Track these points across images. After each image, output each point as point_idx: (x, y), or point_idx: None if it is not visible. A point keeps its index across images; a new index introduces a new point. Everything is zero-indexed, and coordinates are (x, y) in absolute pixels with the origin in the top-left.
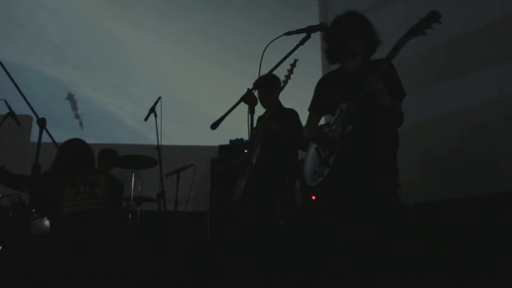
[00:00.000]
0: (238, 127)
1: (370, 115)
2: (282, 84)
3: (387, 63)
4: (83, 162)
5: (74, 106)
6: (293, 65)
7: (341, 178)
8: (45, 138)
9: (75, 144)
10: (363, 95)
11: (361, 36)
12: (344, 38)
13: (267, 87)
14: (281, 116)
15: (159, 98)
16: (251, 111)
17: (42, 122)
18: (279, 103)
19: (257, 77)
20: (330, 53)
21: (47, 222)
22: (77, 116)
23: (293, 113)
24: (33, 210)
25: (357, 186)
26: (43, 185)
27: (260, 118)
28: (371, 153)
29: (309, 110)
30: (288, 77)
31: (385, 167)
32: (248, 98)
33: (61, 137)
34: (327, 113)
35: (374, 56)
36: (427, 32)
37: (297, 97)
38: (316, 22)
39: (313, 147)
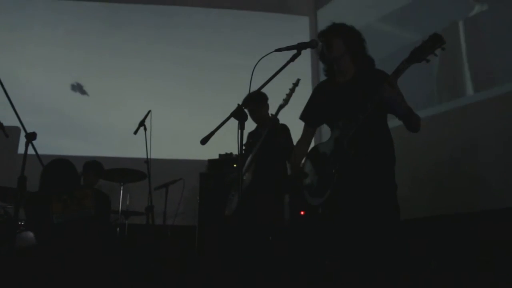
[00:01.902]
0: (227, 141)
1: (371, 137)
2: (283, 102)
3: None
4: (67, 184)
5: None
6: (296, 84)
7: (344, 199)
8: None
9: (59, 167)
10: (373, 106)
11: (352, 52)
12: (326, 45)
13: (255, 104)
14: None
15: (149, 111)
16: (241, 127)
17: (30, 137)
18: (277, 120)
19: (247, 92)
20: (323, 60)
21: (32, 235)
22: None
23: (285, 129)
24: (19, 223)
25: (361, 206)
26: (32, 206)
27: (250, 134)
28: (373, 176)
29: (300, 118)
30: (289, 95)
31: (387, 188)
32: (238, 114)
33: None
34: (320, 125)
35: None
36: (430, 60)
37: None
38: (306, 37)
39: (308, 161)
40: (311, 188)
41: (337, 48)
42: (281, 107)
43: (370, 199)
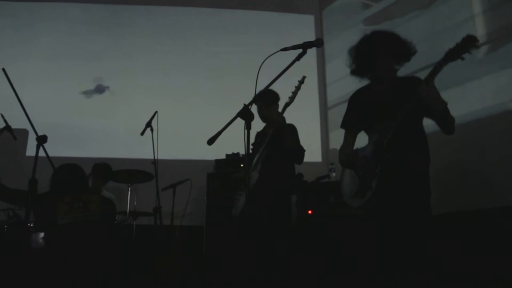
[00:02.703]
0: (234, 141)
1: (408, 137)
2: (289, 100)
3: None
4: (75, 188)
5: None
6: (301, 82)
7: (385, 199)
8: (43, 152)
9: (68, 172)
10: (411, 107)
11: (395, 58)
12: (379, 63)
13: (265, 102)
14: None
15: (156, 112)
16: (248, 127)
17: (41, 140)
18: (283, 118)
19: (254, 92)
20: (358, 72)
21: (42, 236)
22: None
23: (292, 128)
24: (29, 224)
25: (400, 206)
26: (40, 208)
27: (258, 134)
28: (411, 176)
29: (342, 127)
30: (295, 93)
31: (423, 187)
32: (244, 114)
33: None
34: (360, 131)
35: None
36: (465, 57)
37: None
38: (312, 36)
39: (348, 170)
40: (351, 190)
41: (370, 62)
42: (287, 105)
43: (406, 202)
